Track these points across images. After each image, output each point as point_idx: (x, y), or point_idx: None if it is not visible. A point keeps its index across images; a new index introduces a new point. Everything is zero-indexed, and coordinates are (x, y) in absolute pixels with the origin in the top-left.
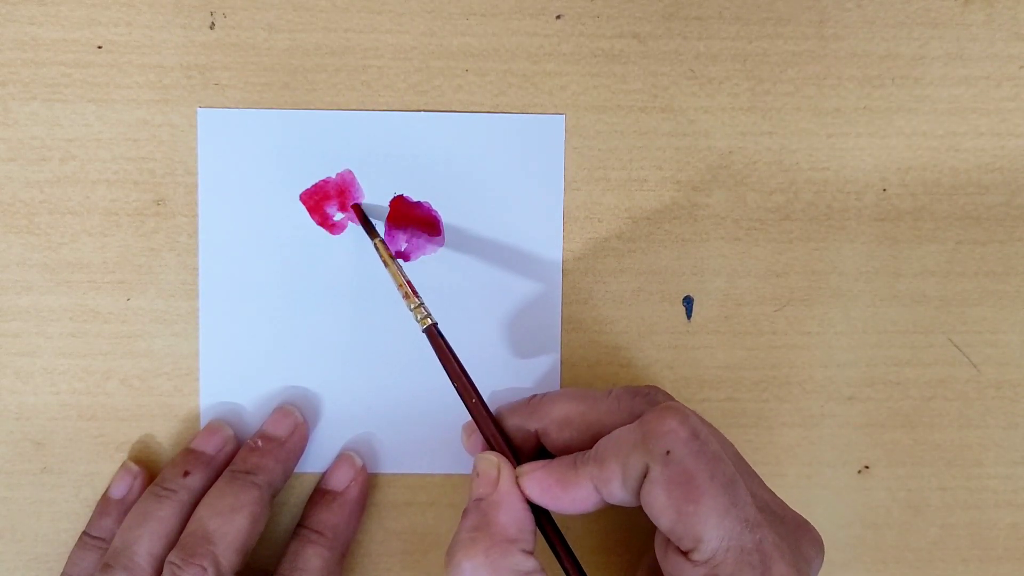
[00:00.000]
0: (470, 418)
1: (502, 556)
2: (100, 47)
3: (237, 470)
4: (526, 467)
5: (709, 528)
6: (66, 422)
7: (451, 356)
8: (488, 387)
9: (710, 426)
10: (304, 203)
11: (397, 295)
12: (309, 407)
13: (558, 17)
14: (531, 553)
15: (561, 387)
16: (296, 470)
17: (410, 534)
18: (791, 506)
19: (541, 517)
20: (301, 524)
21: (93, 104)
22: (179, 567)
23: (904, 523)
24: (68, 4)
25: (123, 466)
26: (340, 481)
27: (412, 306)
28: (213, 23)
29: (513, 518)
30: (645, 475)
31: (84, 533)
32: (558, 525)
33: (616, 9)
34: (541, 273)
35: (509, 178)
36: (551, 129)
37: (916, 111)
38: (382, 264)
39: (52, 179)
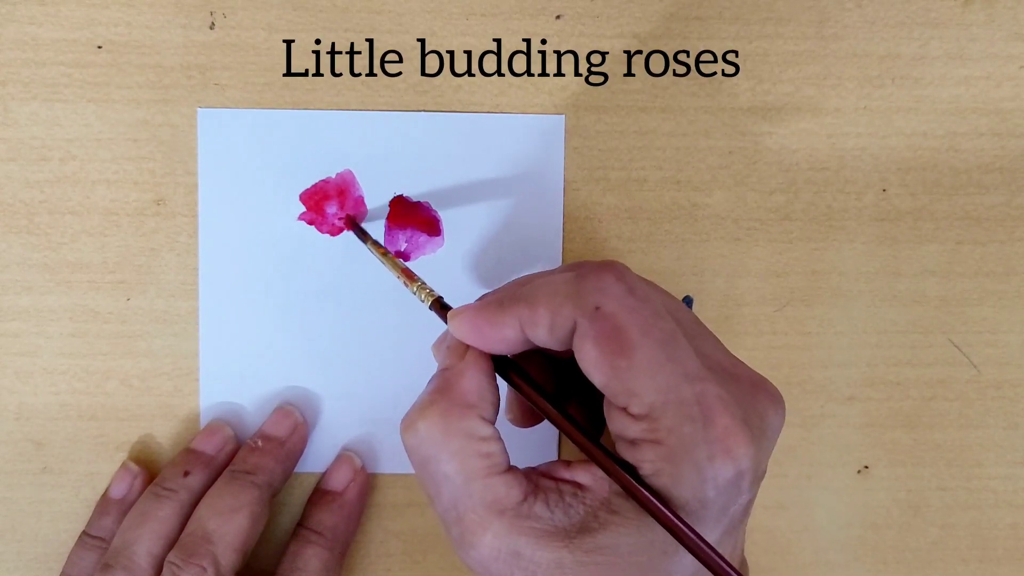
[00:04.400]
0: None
1: (458, 419)
2: (100, 47)
3: (237, 470)
4: (457, 308)
5: (643, 382)
6: (66, 422)
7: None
8: None
9: (658, 288)
10: (304, 203)
11: (396, 294)
12: (309, 407)
13: (558, 17)
14: (490, 422)
15: None
16: (296, 470)
17: (410, 534)
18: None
19: (508, 370)
20: (301, 524)
21: (93, 104)
22: (179, 567)
23: (904, 523)
24: (68, 4)
25: (123, 466)
26: (339, 481)
27: (414, 288)
28: (213, 23)
29: (476, 385)
30: (574, 328)
31: (84, 533)
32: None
33: (616, 9)
34: None
35: (509, 178)
36: (551, 129)
37: (916, 111)
38: (381, 265)
39: (52, 179)
